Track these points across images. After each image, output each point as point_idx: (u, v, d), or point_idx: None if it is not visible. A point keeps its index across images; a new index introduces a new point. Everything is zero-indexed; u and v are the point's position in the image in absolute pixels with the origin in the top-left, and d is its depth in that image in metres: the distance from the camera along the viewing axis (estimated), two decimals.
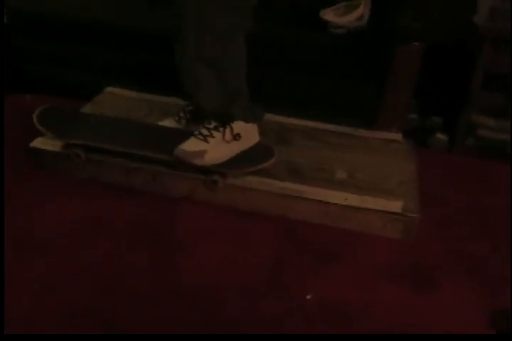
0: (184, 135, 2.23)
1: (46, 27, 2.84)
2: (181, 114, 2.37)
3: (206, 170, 2.21)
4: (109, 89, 2.77)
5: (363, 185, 2.26)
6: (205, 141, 2.18)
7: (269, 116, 2.41)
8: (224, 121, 2.21)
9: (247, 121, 2.24)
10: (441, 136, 2.84)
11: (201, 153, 2.16)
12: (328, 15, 2.75)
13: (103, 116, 2.49)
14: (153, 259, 2.00)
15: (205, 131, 2.20)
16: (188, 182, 2.26)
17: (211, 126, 2.21)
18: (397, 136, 2.61)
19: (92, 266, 1.95)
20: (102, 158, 2.28)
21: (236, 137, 2.21)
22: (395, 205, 2.15)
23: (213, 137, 2.19)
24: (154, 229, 2.14)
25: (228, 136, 2.20)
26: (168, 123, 2.38)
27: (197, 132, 2.21)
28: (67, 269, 1.94)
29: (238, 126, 2.22)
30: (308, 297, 1.90)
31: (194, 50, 2.06)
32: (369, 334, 1.80)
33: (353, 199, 2.17)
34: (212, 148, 2.18)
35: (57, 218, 2.15)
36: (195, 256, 2.03)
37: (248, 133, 2.26)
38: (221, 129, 2.20)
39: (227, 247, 2.09)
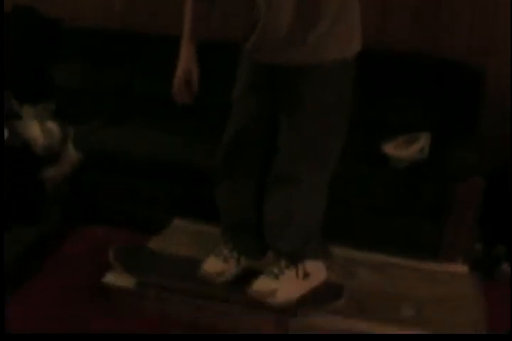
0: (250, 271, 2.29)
1: (116, 164, 2.98)
2: (226, 253, 2.37)
3: (276, 309, 2.22)
4: (177, 221, 2.84)
5: (432, 321, 2.23)
6: (276, 278, 2.22)
7: (333, 250, 2.44)
8: (295, 260, 2.25)
9: (317, 259, 2.29)
10: (507, 268, 2.80)
11: (273, 292, 2.19)
12: (390, 149, 2.81)
13: (172, 255, 2.55)
14: None
15: (275, 270, 2.24)
16: (256, 320, 2.27)
17: (282, 264, 2.24)
18: (463, 269, 2.60)
19: None
20: (172, 296, 2.32)
21: (306, 275, 2.24)
22: None
23: (284, 274, 2.22)
24: None
25: (300, 274, 2.24)
26: (213, 264, 2.36)
27: (268, 271, 2.25)
28: None
29: (308, 264, 2.26)
30: None
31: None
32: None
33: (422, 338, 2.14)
34: (284, 286, 2.21)
35: None
36: None
37: (317, 271, 2.29)
38: (292, 267, 2.23)
39: None
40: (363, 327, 2.19)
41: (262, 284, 2.22)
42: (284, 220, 2.22)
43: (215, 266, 2.34)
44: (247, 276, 2.28)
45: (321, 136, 2.14)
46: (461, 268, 2.61)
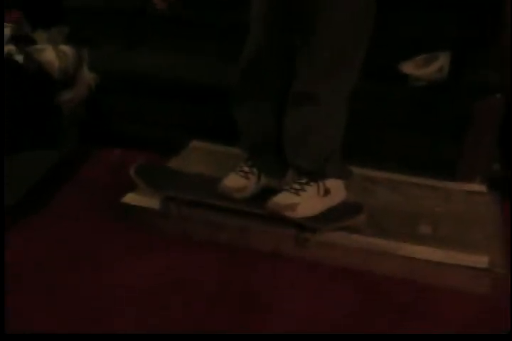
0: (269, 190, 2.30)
1: (133, 86, 2.99)
2: (247, 169, 2.38)
3: (296, 225, 2.24)
4: (195, 143, 2.86)
5: (448, 239, 2.25)
6: (297, 194, 2.23)
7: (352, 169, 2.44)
8: (316, 178, 2.26)
9: (338, 178, 2.30)
10: None
11: (294, 206, 2.20)
12: (408, 67, 2.78)
13: (193, 173, 2.56)
14: (235, 313, 2.00)
15: (296, 186, 2.25)
16: (276, 237, 2.29)
17: (302, 181, 2.26)
18: (481, 188, 2.61)
19: (171, 322, 1.95)
20: (193, 212, 2.35)
21: (327, 192, 2.26)
22: (481, 260, 2.13)
23: (305, 191, 2.24)
24: (239, 285, 2.15)
25: (321, 190, 2.26)
26: (233, 179, 2.36)
27: (288, 187, 2.27)
28: (145, 327, 1.93)
29: (329, 182, 2.28)
30: None
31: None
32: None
33: (438, 255, 2.17)
34: (305, 201, 2.22)
35: (140, 274, 2.17)
36: (277, 315, 2.02)
37: (337, 189, 2.32)
38: (313, 184, 2.25)
39: (309, 304, 2.08)
40: (380, 244, 2.21)
41: (282, 198, 2.24)
42: (304, 138, 2.23)
43: (236, 181, 2.35)
44: (266, 194, 2.29)
45: (339, 56, 2.11)
46: (479, 187, 2.62)
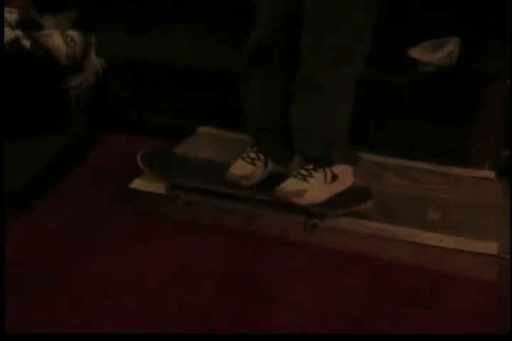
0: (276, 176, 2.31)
1: (140, 72, 2.98)
2: (253, 156, 2.36)
3: (304, 212, 2.23)
4: (202, 129, 2.85)
5: (457, 225, 2.24)
6: (305, 180, 2.22)
7: (360, 155, 2.44)
8: (323, 164, 2.26)
9: (345, 164, 2.30)
10: None
11: (301, 193, 2.20)
12: (416, 53, 2.75)
13: (199, 159, 2.56)
14: (241, 304, 1.99)
15: (304, 172, 2.24)
16: (284, 222, 2.28)
17: (310, 167, 2.25)
18: (490, 174, 2.60)
19: (177, 310, 1.95)
20: (200, 198, 2.34)
21: (335, 178, 2.26)
22: (491, 247, 2.12)
23: (313, 177, 2.23)
24: (247, 271, 2.14)
25: (329, 177, 2.25)
26: (240, 167, 2.36)
27: (295, 173, 2.26)
28: (152, 313, 1.93)
29: (337, 167, 2.27)
30: None
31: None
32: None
33: (447, 241, 2.16)
34: (312, 187, 2.21)
35: (148, 261, 2.17)
36: (284, 301, 2.01)
37: (345, 175, 2.31)
38: (320, 170, 2.24)
39: (317, 291, 2.08)
40: (389, 230, 2.20)
41: (290, 184, 2.23)
42: (310, 124, 2.22)
43: (243, 168, 2.33)
44: (274, 181, 2.28)
45: (345, 38, 2.09)
46: (488, 173, 2.60)
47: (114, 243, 2.25)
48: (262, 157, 2.35)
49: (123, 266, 2.13)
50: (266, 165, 2.36)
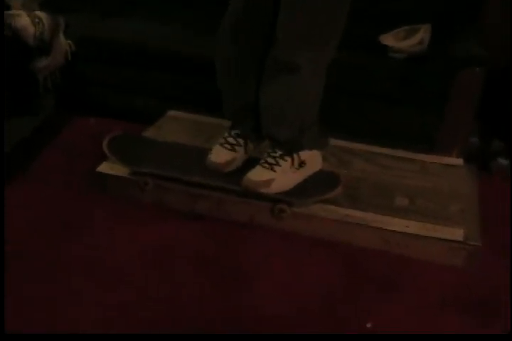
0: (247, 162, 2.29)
1: (110, 54, 2.94)
2: (232, 141, 2.33)
3: (272, 198, 2.22)
4: (171, 112, 2.82)
5: (424, 211, 2.26)
6: (272, 169, 2.20)
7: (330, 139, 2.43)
8: (291, 150, 2.23)
9: (313, 149, 2.28)
10: (503, 161, 2.81)
11: (268, 182, 2.18)
12: (388, 39, 2.76)
13: (168, 143, 2.53)
14: (214, 287, 2.00)
15: (271, 160, 2.22)
16: (252, 208, 2.27)
17: (277, 154, 2.23)
18: (458, 161, 2.61)
19: (154, 294, 1.95)
20: (169, 184, 2.32)
21: (302, 164, 2.24)
22: (457, 233, 2.14)
23: (280, 166, 2.21)
24: (217, 256, 2.14)
25: (296, 163, 2.23)
26: (221, 155, 2.32)
27: (262, 161, 2.24)
28: (127, 298, 1.93)
29: (304, 153, 2.25)
30: (369, 325, 1.89)
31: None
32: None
33: (414, 227, 2.17)
34: (279, 176, 2.20)
35: (121, 245, 2.16)
36: (255, 284, 2.02)
37: (312, 160, 2.29)
38: (287, 158, 2.22)
39: (287, 275, 2.09)
40: (357, 216, 2.21)
41: (256, 174, 2.21)
42: (280, 107, 2.19)
43: (223, 156, 2.31)
44: (247, 168, 2.26)
45: (319, 20, 2.05)
46: (456, 160, 2.62)
47: (85, 226, 2.23)
48: (241, 141, 2.33)
49: (96, 249, 2.12)
50: (246, 149, 2.34)
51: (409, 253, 2.17)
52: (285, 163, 2.22)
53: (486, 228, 2.20)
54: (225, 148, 2.32)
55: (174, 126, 2.71)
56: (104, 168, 2.38)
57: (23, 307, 1.85)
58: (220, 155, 2.32)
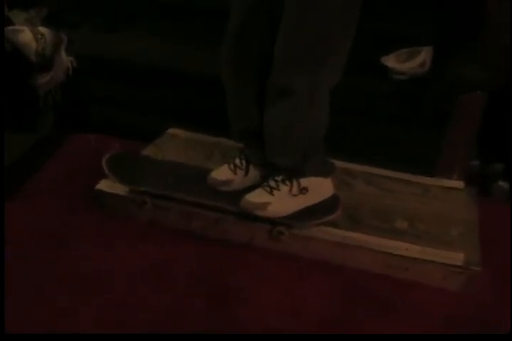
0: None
1: (111, 71, 2.95)
2: (237, 163, 2.32)
3: (271, 220, 2.21)
4: (171, 130, 2.81)
5: (424, 235, 2.24)
6: (271, 193, 2.18)
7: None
8: (293, 176, 2.19)
9: (317, 176, 2.23)
10: (503, 185, 2.80)
11: (265, 205, 2.16)
12: (390, 61, 2.77)
13: (167, 162, 2.52)
14: (211, 307, 1.98)
15: (272, 183, 2.19)
16: (250, 229, 2.26)
17: (279, 178, 2.20)
18: (458, 184, 2.60)
19: (148, 313, 1.93)
20: (167, 203, 2.31)
21: (303, 191, 2.20)
22: (457, 257, 2.12)
23: (279, 190, 2.18)
24: (213, 276, 2.13)
25: (295, 189, 2.19)
26: (222, 172, 2.33)
27: (265, 183, 2.21)
28: (121, 315, 1.92)
29: (306, 180, 2.21)
30: None
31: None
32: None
33: (413, 250, 2.16)
34: (277, 200, 2.17)
35: (116, 263, 2.15)
36: (251, 306, 2.01)
37: (318, 187, 2.24)
38: (288, 182, 2.19)
39: (285, 296, 2.07)
40: (356, 238, 2.19)
41: (255, 196, 2.19)
42: (280, 134, 2.14)
43: (223, 174, 2.31)
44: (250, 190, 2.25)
45: (311, 43, 1.97)
46: (456, 183, 2.61)
47: (81, 243, 2.22)
48: (244, 164, 2.31)
49: (92, 267, 2.11)
50: (247, 173, 2.32)
51: (408, 276, 2.15)
52: (285, 188, 2.19)
53: (486, 252, 2.18)
54: (229, 168, 2.32)
55: (174, 145, 2.71)
56: (103, 185, 2.37)
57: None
58: (221, 173, 2.32)
